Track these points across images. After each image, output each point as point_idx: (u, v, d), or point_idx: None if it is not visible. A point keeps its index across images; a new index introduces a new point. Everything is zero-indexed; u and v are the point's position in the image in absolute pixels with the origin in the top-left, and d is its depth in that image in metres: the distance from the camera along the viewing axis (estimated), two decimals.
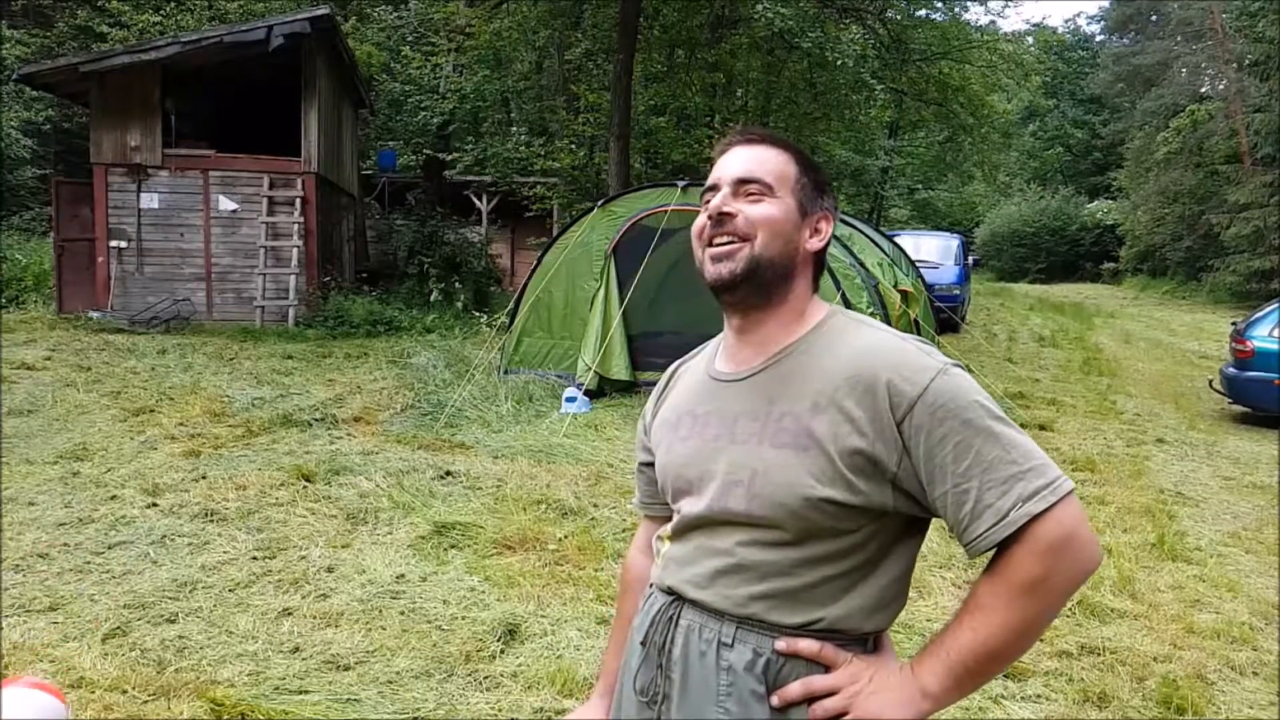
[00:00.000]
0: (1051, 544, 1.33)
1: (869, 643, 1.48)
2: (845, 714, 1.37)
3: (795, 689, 1.39)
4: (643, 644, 1.56)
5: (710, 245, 1.53)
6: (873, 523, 1.43)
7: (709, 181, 1.57)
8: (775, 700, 1.40)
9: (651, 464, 1.69)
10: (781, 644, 1.41)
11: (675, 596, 1.53)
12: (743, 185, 1.52)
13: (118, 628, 4.17)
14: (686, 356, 1.77)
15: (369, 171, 21.86)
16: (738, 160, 1.55)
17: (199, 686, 3.65)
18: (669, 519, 1.62)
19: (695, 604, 1.50)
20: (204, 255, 15.02)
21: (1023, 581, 1.34)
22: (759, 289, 1.51)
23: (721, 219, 1.51)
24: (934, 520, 1.50)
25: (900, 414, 1.38)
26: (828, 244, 1.58)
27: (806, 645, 1.41)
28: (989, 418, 1.38)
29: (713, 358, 1.64)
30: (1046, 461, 1.38)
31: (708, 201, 1.56)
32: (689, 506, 1.53)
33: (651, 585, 1.62)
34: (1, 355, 10.43)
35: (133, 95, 14.50)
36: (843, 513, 1.40)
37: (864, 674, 1.40)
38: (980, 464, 1.35)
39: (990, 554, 1.40)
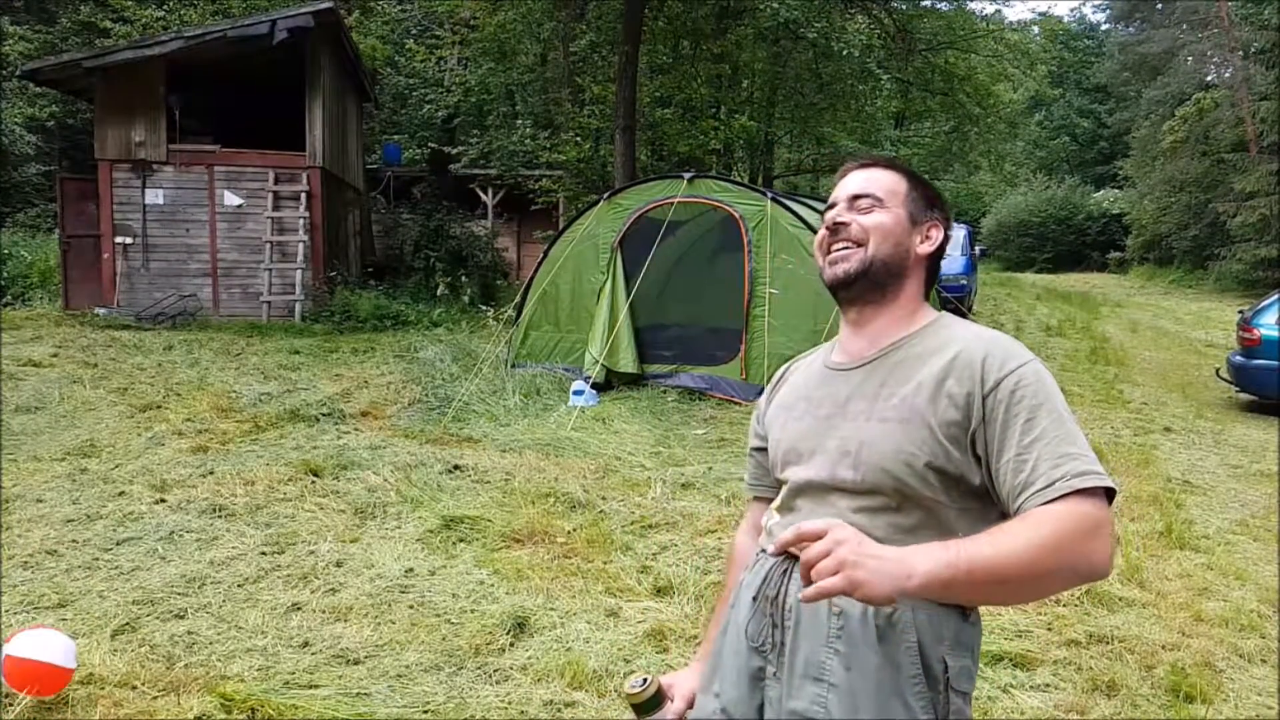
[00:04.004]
0: (1082, 518, 1.42)
1: (969, 615, 1.60)
2: (836, 572, 1.32)
3: (787, 535, 1.40)
4: (754, 599, 1.68)
5: (829, 252, 1.72)
6: (964, 496, 1.57)
7: (829, 201, 1.77)
8: (771, 548, 1.52)
9: (762, 449, 1.86)
10: (772, 548, 1.52)
11: (788, 555, 1.63)
12: (856, 200, 1.71)
13: (127, 624, 4.18)
14: (799, 356, 1.93)
15: (374, 166, 21.84)
16: (853, 181, 1.74)
17: (208, 682, 3.65)
18: (773, 500, 1.79)
19: None
20: (210, 251, 15.04)
21: (1049, 533, 1.40)
22: (873, 286, 1.68)
23: (837, 228, 1.71)
24: None
25: (988, 387, 1.54)
26: (940, 249, 1.75)
27: (786, 537, 1.42)
28: (1061, 408, 1.53)
29: (828, 353, 1.79)
30: (1097, 461, 1.49)
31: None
32: (798, 474, 1.68)
33: (761, 552, 1.75)
34: (4, 352, 10.45)
35: (137, 91, 14.51)
36: (940, 481, 1.55)
37: (860, 534, 1.38)
38: (1044, 440, 1.48)
39: None
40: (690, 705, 1.81)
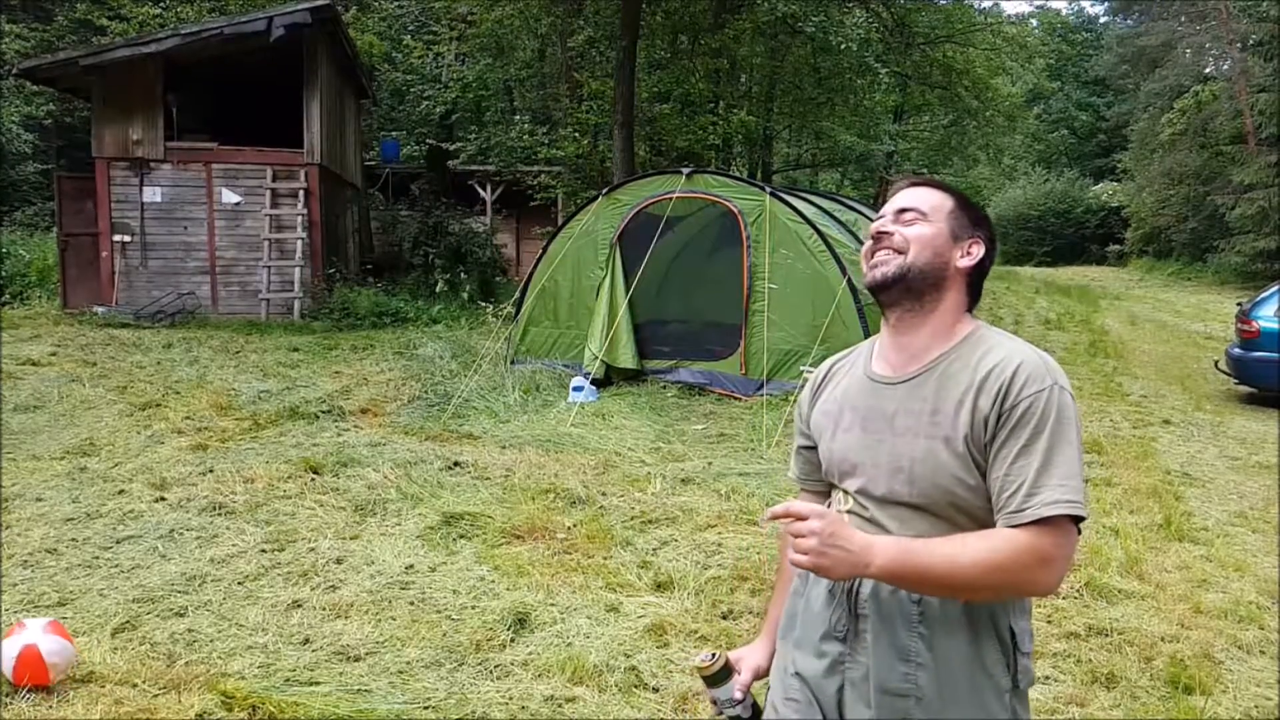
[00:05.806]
0: (1033, 551, 1.56)
1: (1027, 603, 1.74)
2: (807, 553, 1.53)
3: (777, 509, 1.57)
4: (831, 591, 1.78)
5: (871, 258, 1.82)
6: None
7: (877, 215, 1.87)
8: (764, 516, 1.64)
9: (810, 448, 1.95)
10: (765, 516, 1.62)
11: None
12: (902, 213, 1.81)
13: (127, 622, 4.18)
14: (838, 356, 2.01)
15: (372, 163, 21.82)
16: (901, 197, 1.84)
17: (209, 679, 3.66)
18: (823, 494, 1.92)
19: None
20: (208, 248, 15.03)
21: (998, 558, 1.56)
22: (909, 292, 1.77)
23: (880, 237, 1.81)
24: None
25: (1005, 405, 1.63)
26: (982, 264, 1.82)
27: (776, 510, 1.58)
28: (1064, 434, 1.61)
29: (869, 360, 1.87)
30: (1081, 490, 1.60)
31: None
32: (854, 485, 1.79)
33: None
34: (3, 351, 10.45)
35: (134, 89, 14.49)
36: (989, 492, 1.65)
37: (836, 525, 1.55)
38: (1031, 465, 1.59)
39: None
40: (756, 677, 1.94)
